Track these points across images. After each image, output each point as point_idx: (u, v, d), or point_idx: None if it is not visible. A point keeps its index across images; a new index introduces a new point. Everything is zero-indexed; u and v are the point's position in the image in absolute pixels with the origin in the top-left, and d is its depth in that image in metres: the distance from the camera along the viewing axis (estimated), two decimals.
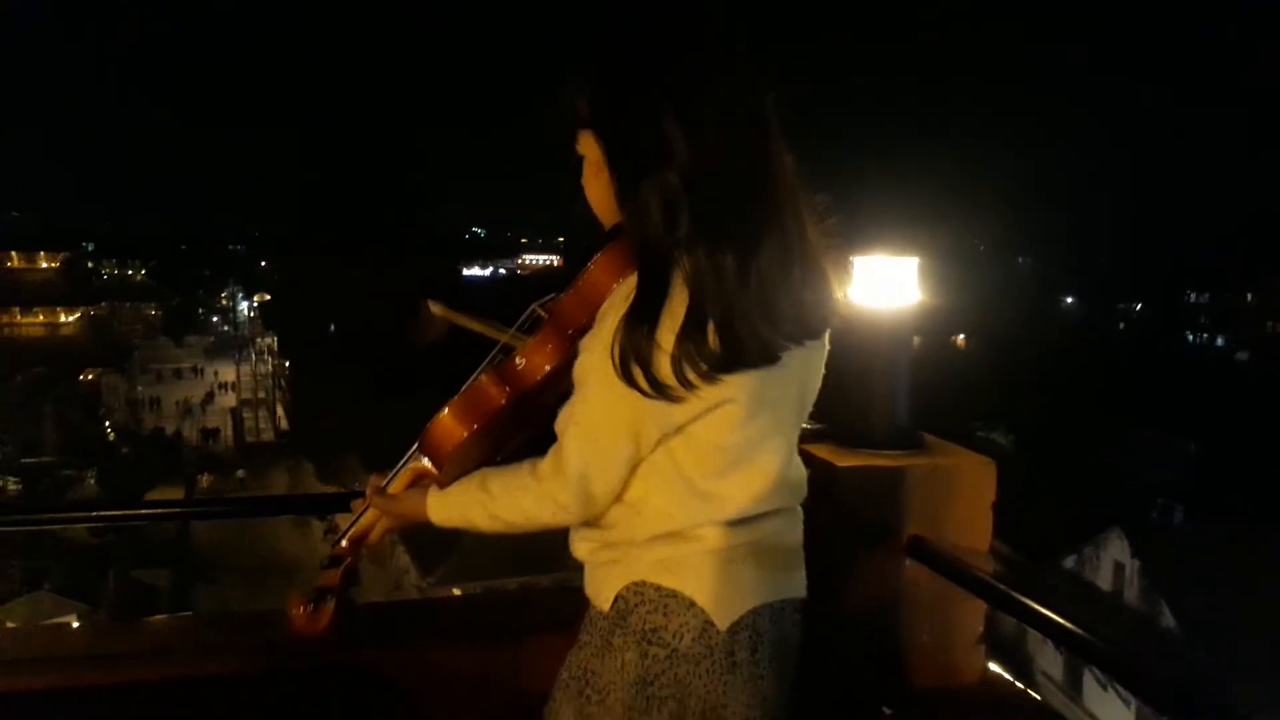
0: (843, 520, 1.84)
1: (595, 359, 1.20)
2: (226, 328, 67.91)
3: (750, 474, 1.28)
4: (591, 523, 1.31)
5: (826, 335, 1.35)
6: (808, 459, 1.91)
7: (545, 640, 1.95)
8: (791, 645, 1.35)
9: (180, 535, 28.70)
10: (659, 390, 1.17)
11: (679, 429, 1.23)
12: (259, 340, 58.31)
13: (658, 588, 1.26)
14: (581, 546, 1.33)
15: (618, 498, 1.28)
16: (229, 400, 50.39)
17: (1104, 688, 16.96)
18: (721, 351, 1.17)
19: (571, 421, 1.24)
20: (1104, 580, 20.09)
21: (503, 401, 1.31)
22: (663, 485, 1.25)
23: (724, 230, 1.19)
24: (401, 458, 1.44)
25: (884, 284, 1.93)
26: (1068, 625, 1.49)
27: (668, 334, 1.16)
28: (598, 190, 1.29)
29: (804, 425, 1.87)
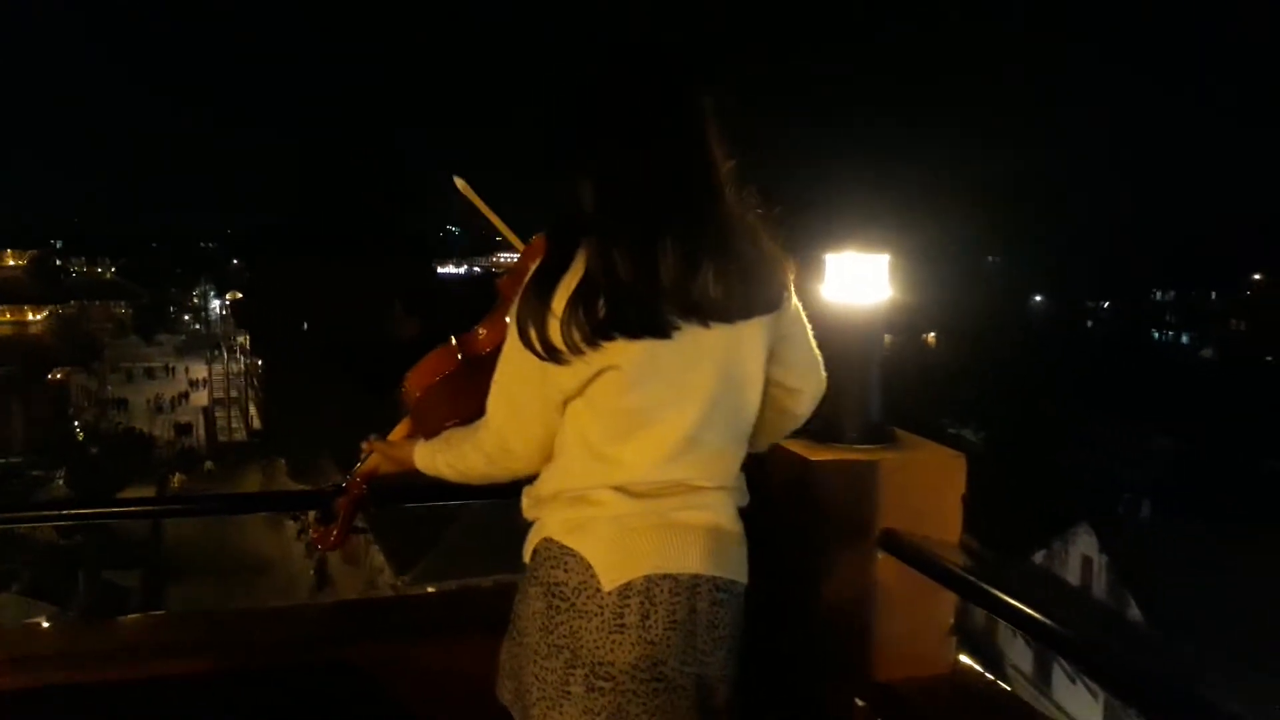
0: (816, 514, 1.86)
1: (510, 325, 1.38)
2: (198, 326, 67.24)
3: (645, 441, 1.37)
4: (529, 481, 1.48)
5: (763, 324, 1.42)
6: (781, 454, 1.95)
7: None
8: (706, 622, 1.41)
9: (151, 535, 28.38)
10: (550, 353, 1.32)
11: (579, 392, 1.36)
12: (231, 338, 57.80)
13: (561, 545, 1.39)
14: (523, 502, 1.49)
15: (548, 458, 1.44)
16: (201, 399, 49.89)
17: (1073, 680, 17.18)
18: (604, 319, 1.29)
19: (494, 380, 1.42)
20: (1072, 575, 20.34)
21: (457, 362, 1.58)
22: (568, 445, 1.41)
23: (621, 222, 1.32)
24: None
25: (855, 281, 1.96)
26: (1037, 617, 1.51)
27: (560, 301, 1.31)
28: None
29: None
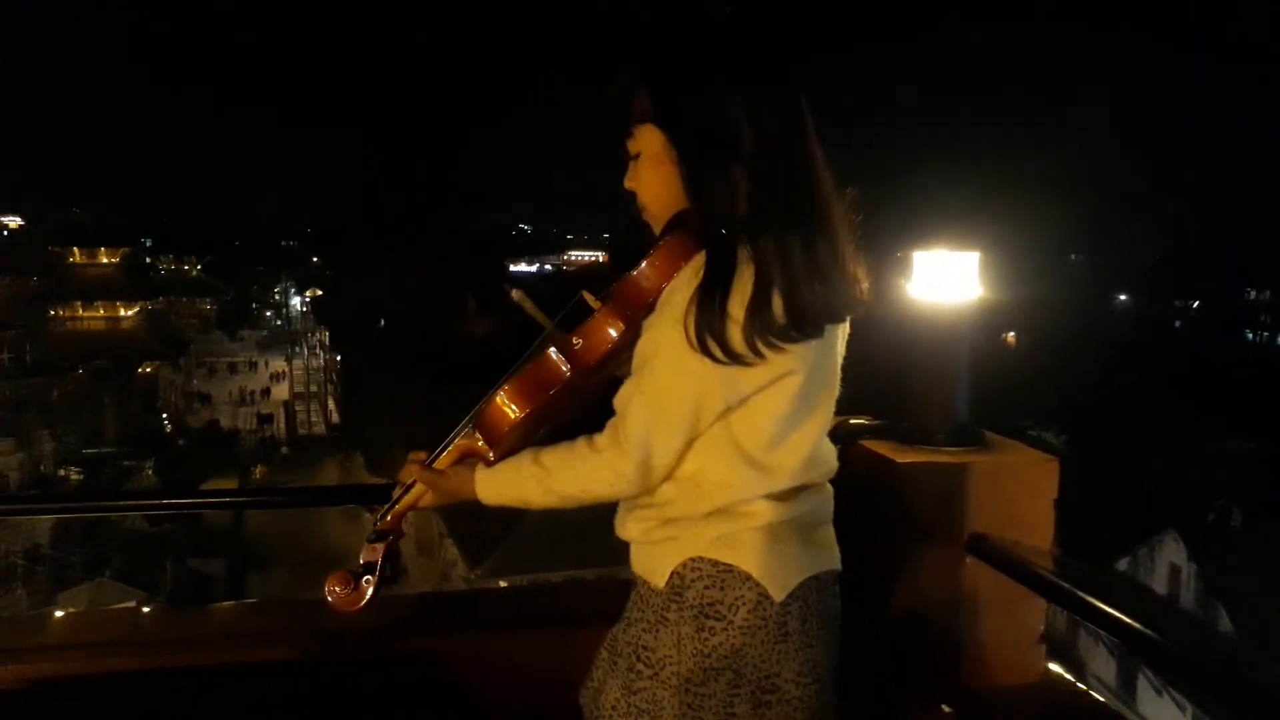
0: (903, 517, 1.83)
1: (664, 333, 1.28)
2: (279, 322, 69.13)
3: (797, 445, 1.36)
4: (646, 502, 1.37)
5: (848, 322, 1.46)
6: (867, 456, 1.92)
7: (593, 631, 1.98)
8: (835, 615, 1.43)
9: (234, 525, 29.29)
10: (733, 358, 1.26)
11: (743, 400, 1.30)
12: (311, 334, 59.30)
13: (714, 563, 1.32)
14: (634, 526, 1.38)
15: (672, 474, 1.34)
16: (281, 393, 51.29)
17: (1159, 692, 16.62)
18: (787, 322, 1.27)
19: (638, 391, 1.30)
20: (1159, 583, 19.67)
21: (565, 379, 1.37)
22: (720, 458, 1.32)
23: (785, 214, 1.30)
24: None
25: (945, 279, 1.92)
26: (1138, 627, 1.47)
27: (738, 306, 1.25)
28: (656, 183, 1.38)
29: (858, 421, 1.92)
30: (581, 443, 1.34)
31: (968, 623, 1.85)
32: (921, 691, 1.85)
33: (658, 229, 1.42)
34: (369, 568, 1.45)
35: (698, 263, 1.28)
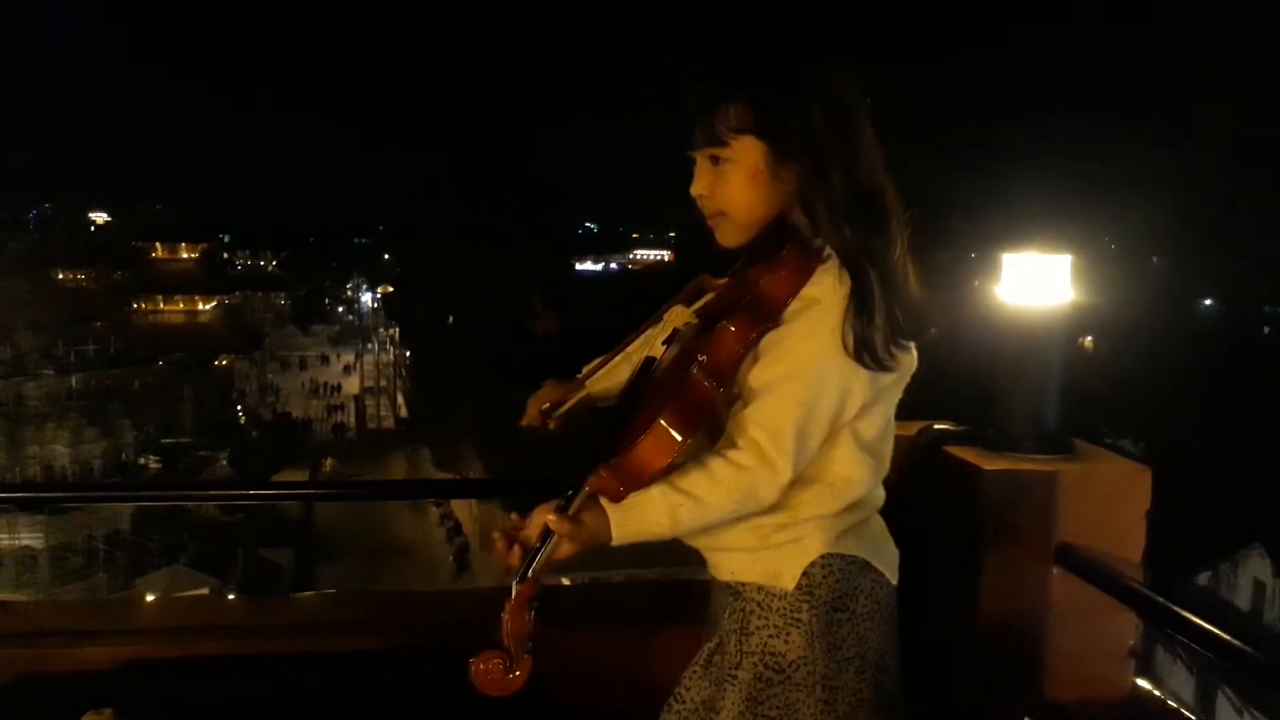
0: (988, 525, 1.79)
1: (821, 344, 1.30)
2: (351, 317, 70.60)
3: (892, 433, 1.44)
4: (768, 509, 1.36)
5: None
6: (952, 462, 1.88)
7: (654, 630, 2.03)
8: None
9: (304, 516, 30.00)
10: (880, 364, 1.31)
11: (877, 399, 1.36)
12: (381, 330, 60.45)
13: (841, 556, 1.37)
14: (747, 535, 1.37)
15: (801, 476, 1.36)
16: (352, 387, 52.37)
17: (1239, 712, 16.05)
18: (906, 325, 1.33)
19: (794, 402, 1.29)
20: (1242, 599, 18.99)
21: (713, 398, 1.31)
22: (848, 455, 1.36)
23: (882, 223, 1.34)
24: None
25: (1035, 282, 1.87)
26: (1231, 640, 1.41)
27: (880, 315, 1.30)
28: (750, 194, 1.38)
29: (943, 426, 1.89)
30: (718, 462, 1.28)
31: (1054, 634, 1.80)
32: (1005, 703, 1.81)
33: (738, 237, 1.43)
34: (523, 644, 1.23)
35: (832, 274, 1.31)
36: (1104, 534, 1.77)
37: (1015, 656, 1.81)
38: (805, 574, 1.35)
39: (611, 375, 1.62)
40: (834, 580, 1.36)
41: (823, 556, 1.36)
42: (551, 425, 1.63)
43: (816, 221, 1.35)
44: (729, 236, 1.43)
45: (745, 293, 1.35)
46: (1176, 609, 1.53)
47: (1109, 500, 1.80)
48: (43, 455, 30.72)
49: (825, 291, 1.31)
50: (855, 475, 1.37)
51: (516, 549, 1.27)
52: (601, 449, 1.29)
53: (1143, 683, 1.90)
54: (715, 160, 1.38)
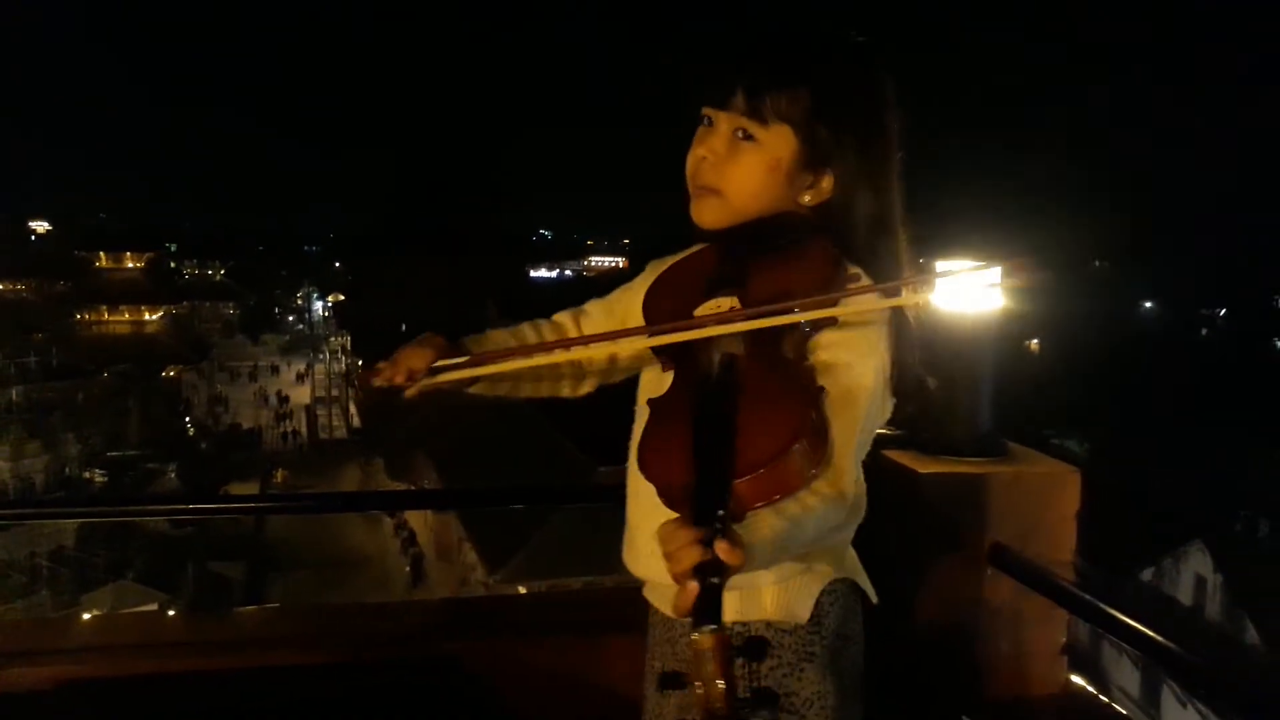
0: (923, 527, 1.83)
1: (878, 363, 1.21)
2: (301, 327, 69.56)
3: None
4: None
5: None
6: (889, 465, 1.91)
7: (614, 639, 1.99)
8: None
9: (255, 528, 29.50)
10: (896, 395, 1.26)
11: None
12: (333, 339, 59.67)
13: (843, 581, 1.29)
14: (786, 565, 1.24)
15: None
16: (303, 397, 51.63)
17: (1183, 705, 16.43)
18: (913, 363, 1.28)
19: (858, 424, 1.19)
20: (1184, 594, 19.46)
21: (811, 411, 1.16)
22: (861, 480, 1.25)
23: (901, 264, 1.30)
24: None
25: (966, 290, 1.91)
26: (1155, 637, 1.46)
27: (905, 347, 1.26)
28: (758, 181, 1.27)
29: (881, 431, 1.89)
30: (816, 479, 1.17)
31: (989, 634, 1.84)
32: (942, 703, 1.85)
33: (718, 219, 1.31)
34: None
35: (865, 289, 1.23)
36: (1035, 534, 1.82)
37: (952, 657, 1.85)
38: (817, 603, 1.25)
39: (509, 353, 1.43)
40: (839, 608, 1.28)
41: (829, 584, 1.27)
42: (410, 392, 1.41)
43: (848, 240, 1.25)
44: (710, 215, 1.31)
45: (796, 288, 1.20)
46: (1104, 606, 1.58)
47: (1040, 501, 1.85)
48: None
49: (874, 312, 1.22)
50: (865, 499, 1.27)
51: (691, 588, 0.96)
52: (715, 461, 1.07)
53: (1076, 679, 1.96)
54: (741, 133, 1.26)
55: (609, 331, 1.42)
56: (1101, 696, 1.99)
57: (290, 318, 74.28)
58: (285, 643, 2.10)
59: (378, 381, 1.39)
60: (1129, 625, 1.51)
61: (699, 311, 1.24)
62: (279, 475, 36.38)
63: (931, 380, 1.33)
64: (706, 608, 0.93)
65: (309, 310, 72.64)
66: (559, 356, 1.42)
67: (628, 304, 1.44)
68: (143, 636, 2.06)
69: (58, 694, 1.82)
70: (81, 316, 51.42)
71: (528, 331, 1.49)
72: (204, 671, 1.99)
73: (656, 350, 1.28)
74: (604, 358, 1.46)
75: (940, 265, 1.94)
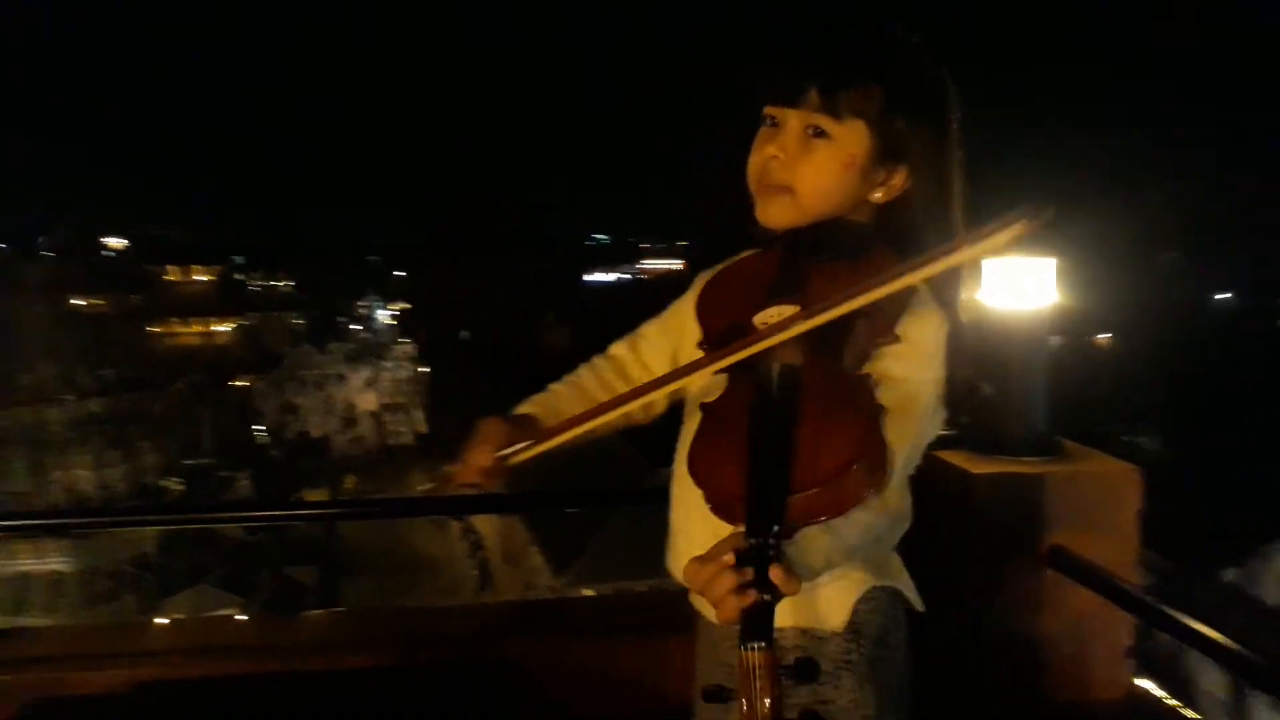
0: (978, 529, 1.81)
1: (934, 376, 1.21)
2: (366, 335, 70.87)
3: None
4: None
5: None
6: (941, 466, 1.90)
7: (671, 641, 1.99)
8: None
9: (327, 533, 30.16)
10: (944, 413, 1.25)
11: None
12: (397, 347, 60.70)
13: (882, 588, 1.27)
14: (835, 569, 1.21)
15: None
16: (370, 405, 52.60)
17: (1277, 709, 15.85)
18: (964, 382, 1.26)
19: (910, 438, 1.18)
20: (1270, 595, 18.78)
21: (868, 423, 1.14)
22: (908, 492, 1.25)
23: (959, 277, 1.26)
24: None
25: (1019, 285, 1.89)
26: (1222, 641, 1.43)
27: (960, 365, 1.24)
28: (834, 183, 1.26)
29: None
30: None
31: (1048, 636, 1.81)
32: (999, 708, 1.82)
33: (787, 219, 1.28)
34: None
35: (935, 311, 1.21)
36: (1096, 535, 1.78)
37: (1010, 660, 1.82)
38: (854, 610, 1.23)
39: (578, 401, 1.41)
40: (878, 616, 1.25)
41: (867, 591, 1.25)
42: (487, 483, 1.37)
43: (911, 241, 1.22)
44: (780, 214, 1.28)
45: (857, 297, 1.16)
46: (1166, 608, 1.55)
47: (1100, 501, 1.81)
48: (66, 479, 31.02)
49: (932, 327, 1.20)
50: (910, 510, 1.26)
51: (732, 602, 0.96)
52: (772, 475, 1.05)
53: (1144, 683, 1.92)
54: (814, 131, 1.24)
55: (673, 372, 1.35)
56: (1168, 699, 1.94)
57: (355, 327, 75.74)
58: (347, 646, 2.15)
59: (454, 487, 1.39)
60: (1192, 628, 1.48)
61: (758, 319, 1.20)
62: (348, 481, 37.15)
63: (985, 387, 1.30)
64: (757, 624, 0.92)
65: (373, 319, 74.01)
66: (627, 407, 1.34)
67: (683, 317, 1.41)
68: (208, 640, 2.13)
69: (133, 695, 1.89)
70: (155, 329, 53.10)
71: (588, 380, 1.45)
72: (268, 674, 2.05)
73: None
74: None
75: (990, 261, 1.92)
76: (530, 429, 1.36)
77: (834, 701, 1.21)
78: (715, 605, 0.96)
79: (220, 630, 2.36)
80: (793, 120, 1.26)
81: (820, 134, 1.24)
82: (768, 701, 0.89)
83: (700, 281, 1.41)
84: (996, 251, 1.14)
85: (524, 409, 1.42)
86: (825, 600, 1.23)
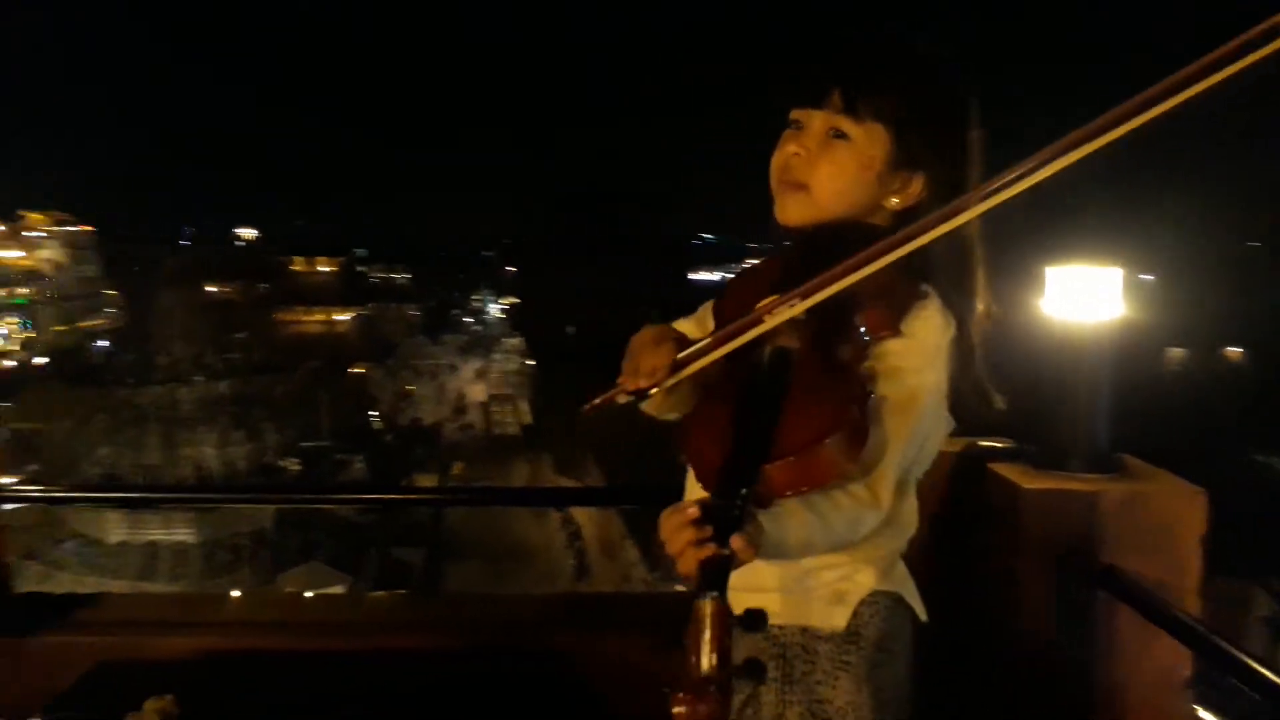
0: (1026, 545, 1.75)
1: (935, 377, 1.22)
2: (478, 328, 72.58)
3: None
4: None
5: None
6: (992, 479, 1.84)
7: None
8: None
9: (434, 517, 31.06)
10: (954, 415, 1.28)
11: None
12: (506, 340, 62.05)
13: (886, 593, 1.29)
14: (792, 573, 1.25)
15: None
16: (479, 395, 53.89)
17: None
18: (976, 388, 1.29)
19: (906, 437, 1.20)
20: None
21: (854, 412, 1.16)
22: (911, 491, 1.29)
23: (973, 285, 1.30)
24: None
25: (1084, 296, 1.82)
26: (1274, 680, 1.34)
27: (970, 368, 1.27)
28: (851, 183, 1.27)
29: (989, 443, 1.83)
30: (837, 487, 1.16)
31: (1101, 661, 1.74)
32: None
33: (804, 217, 1.30)
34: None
35: (941, 312, 1.23)
36: (1153, 558, 1.70)
37: (1060, 683, 1.75)
38: (855, 613, 1.26)
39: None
40: (880, 620, 1.27)
41: (871, 593, 1.27)
42: (649, 405, 1.37)
43: (931, 254, 1.21)
44: (795, 211, 1.30)
45: (862, 290, 1.20)
46: (1218, 640, 1.46)
47: (1159, 522, 1.73)
48: (194, 456, 32.79)
49: (935, 325, 1.22)
50: (915, 515, 1.30)
51: (690, 554, 0.99)
52: (751, 448, 1.09)
53: (1207, 715, 1.82)
54: (835, 132, 1.27)
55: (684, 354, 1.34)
56: None
57: (468, 319, 77.63)
58: (403, 627, 2.24)
59: (623, 395, 1.35)
60: (1245, 664, 1.39)
61: (758, 307, 1.24)
62: (457, 468, 38.15)
63: (998, 399, 1.30)
64: (712, 577, 0.95)
65: (485, 312, 75.74)
66: (730, 346, 1.29)
67: (705, 314, 1.47)
68: (273, 614, 2.25)
69: (198, 662, 2.00)
70: (280, 316, 55.61)
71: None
72: (328, 650, 2.14)
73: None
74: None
75: (1051, 272, 1.86)
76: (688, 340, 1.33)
77: (830, 702, 1.24)
78: (675, 557, 0.99)
79: (283, 605, 2.48)
80: (815, 121, 1.29)
81: (841, 135, 1.28)
82: (715, 650, 0.91)
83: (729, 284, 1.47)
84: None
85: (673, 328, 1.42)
86: (827, 600, 1.26)
